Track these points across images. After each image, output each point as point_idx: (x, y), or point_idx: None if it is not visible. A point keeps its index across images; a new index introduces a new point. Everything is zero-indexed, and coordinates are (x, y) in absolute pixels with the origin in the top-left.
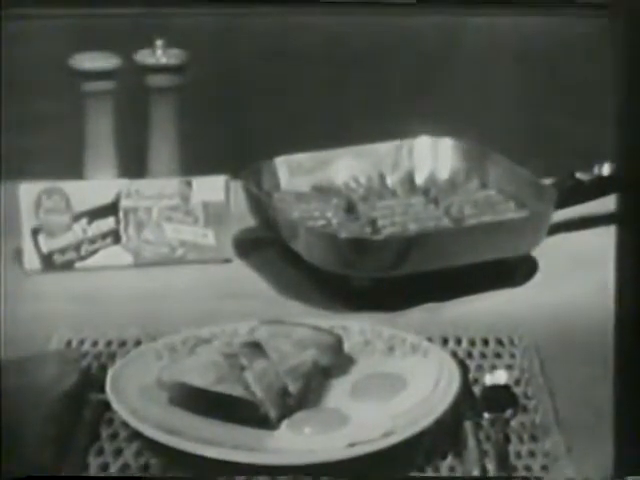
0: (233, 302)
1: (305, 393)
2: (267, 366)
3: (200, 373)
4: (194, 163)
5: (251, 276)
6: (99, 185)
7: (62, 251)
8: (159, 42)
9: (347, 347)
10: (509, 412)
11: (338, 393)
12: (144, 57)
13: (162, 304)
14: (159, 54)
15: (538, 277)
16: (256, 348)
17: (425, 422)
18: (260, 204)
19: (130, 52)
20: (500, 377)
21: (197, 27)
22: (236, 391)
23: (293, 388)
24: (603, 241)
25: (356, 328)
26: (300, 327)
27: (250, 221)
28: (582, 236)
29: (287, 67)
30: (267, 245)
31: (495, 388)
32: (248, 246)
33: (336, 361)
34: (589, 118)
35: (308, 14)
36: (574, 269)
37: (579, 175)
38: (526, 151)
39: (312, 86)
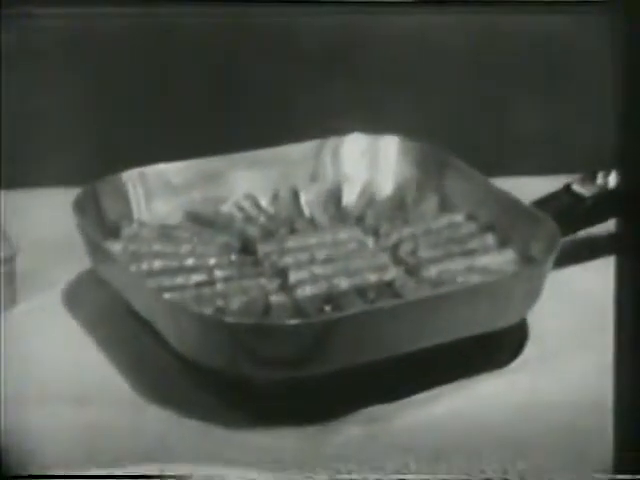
0: (67, 407)
1: None
2: None
3: None
4: None
5: (94, 362)
6: None
7: None
8: None
9: None
10: None
11: None
12: None
13: None
14: None
15: (531, 351)
16: None
17: None
18: (98, 249)
19: None
20: None
21: None
22: None
23: None
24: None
25: None
26: None
27: None
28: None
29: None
30: (119, 308)
31: None
32: (93, 312)
33: None
34: (590, 120)
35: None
36: (582, 333)
37: (577, 188)
38: (521, 158)
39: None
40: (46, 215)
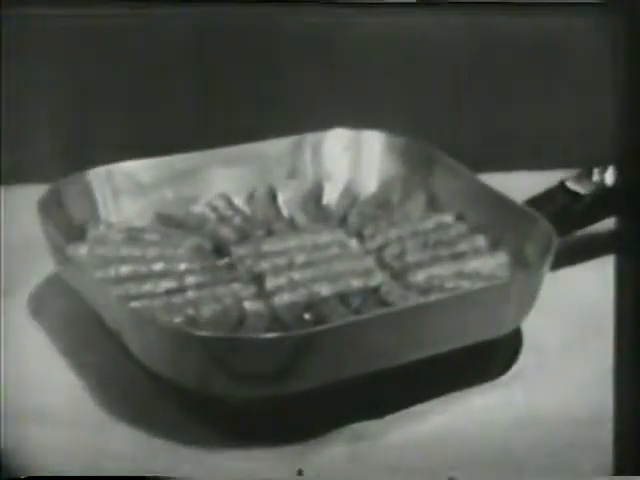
0: (31, 423)
1: None
2: None
3: None
4: None
5: (60, 376)
6: None
7: None
8: None
9: None
10: None
11: None
12: None
13: None
14: None
15: (526, 360)
16: None
17: None
18: (61, 253)
19: None
20: None
21: None
22: None
23: None
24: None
25: None
26: None
27: None
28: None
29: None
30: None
31: None
32: (59, 318)
33: None
34: (589, 118)
35: None
36: (580, 338)
37: (572, 185)
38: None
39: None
40: (16, 214)
